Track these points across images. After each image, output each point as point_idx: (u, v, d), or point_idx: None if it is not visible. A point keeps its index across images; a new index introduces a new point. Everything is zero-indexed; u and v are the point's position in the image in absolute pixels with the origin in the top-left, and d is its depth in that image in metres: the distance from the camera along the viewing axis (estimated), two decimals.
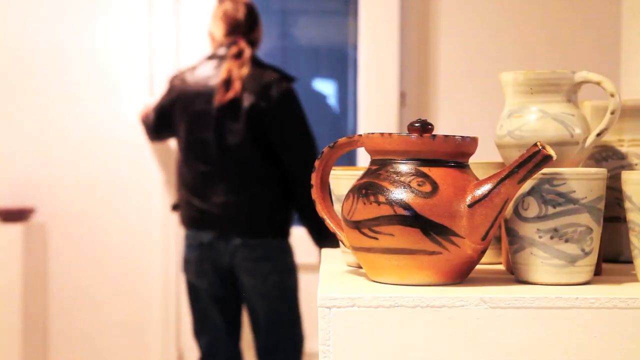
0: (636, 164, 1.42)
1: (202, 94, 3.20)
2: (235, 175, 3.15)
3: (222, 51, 3.25)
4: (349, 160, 3.83)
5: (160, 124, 3.39)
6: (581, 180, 1.17)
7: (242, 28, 3.29)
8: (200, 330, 3.30)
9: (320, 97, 4.25)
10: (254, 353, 3.33)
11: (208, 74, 3.22)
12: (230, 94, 3.16)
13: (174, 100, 3.28)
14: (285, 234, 3.24)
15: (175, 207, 3.43)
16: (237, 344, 3.33)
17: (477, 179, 1.19)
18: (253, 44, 3.30)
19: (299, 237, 3.38)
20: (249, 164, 3.15)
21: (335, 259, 1.45)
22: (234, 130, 3.15)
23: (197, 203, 3.21)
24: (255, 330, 3.28)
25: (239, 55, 3.23)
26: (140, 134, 3.65)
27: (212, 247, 3.18)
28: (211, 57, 3.27)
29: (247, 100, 3.15)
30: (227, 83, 3.19)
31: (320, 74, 4.46)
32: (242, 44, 3.24)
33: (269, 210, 3.18)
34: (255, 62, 3.25)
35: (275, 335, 3.25)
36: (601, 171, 1.19)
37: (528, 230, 1.17)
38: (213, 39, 3.33)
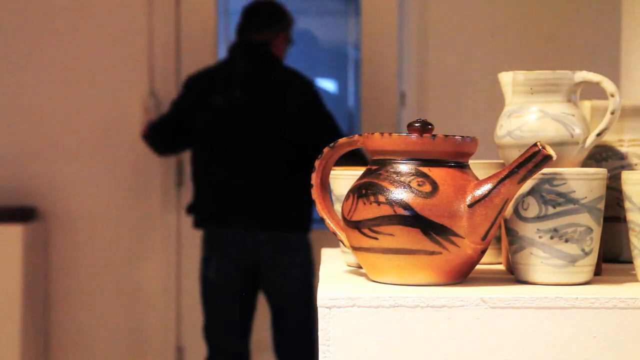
0: (636, 164, 1.42)
1: (225, 94, 3.19)
2: (263, 172, 3.17)
3: (243, 51, 3.23)
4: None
5: (176, 128, 3.35)
6: (581, 180, 1.16)
7: (265, 28, 3.26)
8: (213, 328, 3.29)
9: None
10: (272, 348, 3.34)
11: (230, 74, 3.21)
12: (254, 93, 3.17)
13: (194, 101, 3.27)
14: (308, 229, 3.27)
15: (190, 209, 3.35)
16: (247, 342, 3.33)
17: (477, 179, 1.19)
18: (277, 44, 3.28)
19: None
20: (275, 161, 3.16)
21: (335, 259, 1.45)
22: (260, 128, 3.15)
23: (223, 200, 3.21)
24: (275, 325, 3.29)
25: (261, 55, 3.22)
26: (139, 133, 3.64)
27: (237, 242, 3.19)
28: (231, 57, 3.26)
29: (272, 100, 3.16)
30: (251, 83, 3.18)
31: (320, 73, 4.46)
32: (267, 43, 3.24)
33: (295, 204, 3.21)
34: (277, 62, 3.24)
35: (294, 329, 3.26)
36: (601, 171, 1.19)
37: (528, 230, 1.17)
38: (237, 38, 3.30)
